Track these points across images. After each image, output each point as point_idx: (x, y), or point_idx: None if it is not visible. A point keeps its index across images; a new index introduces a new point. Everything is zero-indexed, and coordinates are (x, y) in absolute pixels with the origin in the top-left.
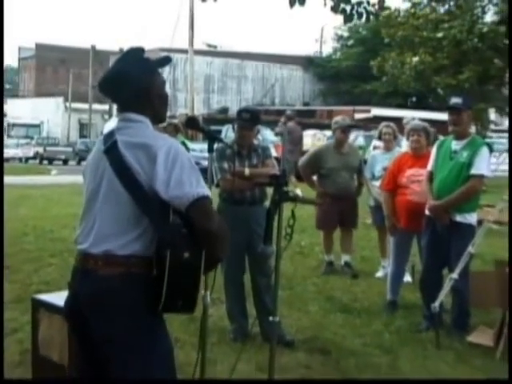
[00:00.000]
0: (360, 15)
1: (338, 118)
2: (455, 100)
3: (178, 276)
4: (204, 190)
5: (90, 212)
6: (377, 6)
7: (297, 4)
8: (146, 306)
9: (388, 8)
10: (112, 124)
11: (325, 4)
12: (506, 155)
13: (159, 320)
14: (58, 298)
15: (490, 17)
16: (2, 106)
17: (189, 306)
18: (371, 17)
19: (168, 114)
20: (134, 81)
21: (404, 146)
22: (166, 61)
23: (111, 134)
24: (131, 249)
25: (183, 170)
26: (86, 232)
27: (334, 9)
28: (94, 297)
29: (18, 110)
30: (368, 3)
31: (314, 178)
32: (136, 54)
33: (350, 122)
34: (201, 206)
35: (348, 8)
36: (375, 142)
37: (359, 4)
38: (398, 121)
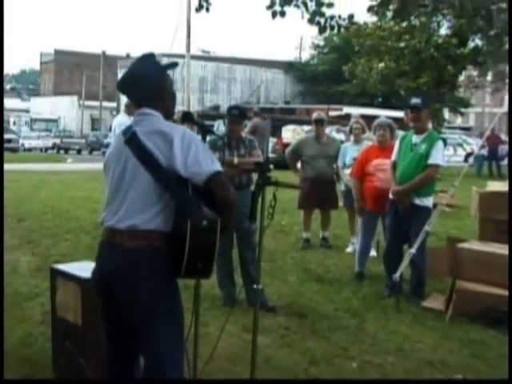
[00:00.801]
0: (332, 27)
1: (315, 115)
2: (415, 100)
3: (198, 241)
4: (218, 166)
5: (116, 196)
6: (347, 21)
7: (278, 16)
8: (167, 275)
9: (356, 23)
10: (120, 118)
11: (302, 17)
12: (457, 148)
13: (177, 289)
14: (73, 267)
15: (444, 30)
16: (2, 105)
17: (207, 269)
18: (342, 29)
19: None
20: (149, 80)
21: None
22: (174, 65)
23: (129, 128)
24: (153, 224)
25: (198, 151)
26: (113, 212)
27: (311, 21)
28: (120, 267)
29: (39, 106)
30: (339, 17)
31: (298, 165)
32: (149, 58)
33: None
34: (218, 179)
35: (322, 21)
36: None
37: (332, 18)
38: (366, 118)
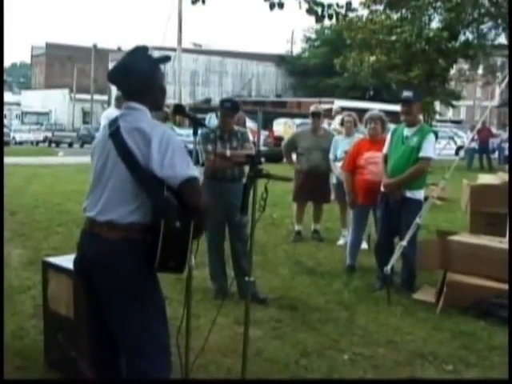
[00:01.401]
0: (330, 16)
1: (312, 108)
2: (406, 94)
3: (170, 241)
4: (193, 171)
5: (98, 186)
6: (345, 8)
7: (276, 7)
8: (143, 264)
9: (355, 9)
10: (110, 111)
11: (300, 6)
12: (449, 141)
13: (154, 278)
14: (65, 260)
15: (435, 24)
16: (2, 104)
17: (179, 267)
18: (340, 17)
19: None
20: (139, 73)
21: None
22: (166, 59)
23: (115, 120)
24: (130, 218)
25: (175, 154)
26: (95, 202)
27: (308, 11)
28: (99, 255)
29: (30, 100)
30: (337, 5)
31: (294, 158)
32: (142, 51)
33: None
34: (191, 185)
35: (319, 10)
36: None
37: (329, 6)
38: (357, 111)
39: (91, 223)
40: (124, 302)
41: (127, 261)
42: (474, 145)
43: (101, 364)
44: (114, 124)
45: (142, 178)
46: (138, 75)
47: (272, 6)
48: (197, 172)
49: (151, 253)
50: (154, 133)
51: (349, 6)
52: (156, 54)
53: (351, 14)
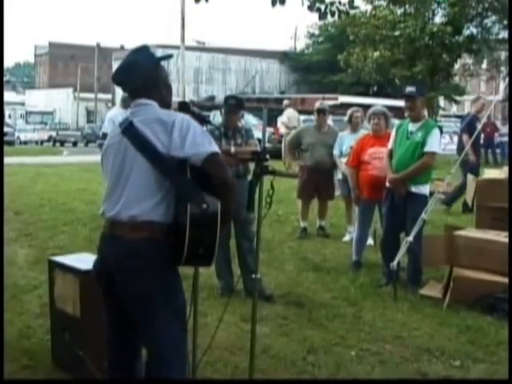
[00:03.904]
0: (333, 13)
1: (317, 104)
2: (409, 89)
3: (199, 225)
4: (216, 148)
5: (117, 187)
6: (347, 6)
7: (278, 4)
8: (168, 265)
9: (357, 7)
10: (113, 111)
11: (302, 3)
12: (453, 136)
13: (179, 279)
14: (70, 259)
15: (438, 18)
16: (2, 103)
17: (209, 256)
18: (342, 15)
19: None
20: (142, 69)
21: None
22: (169, 56)
23: (125, 119)
24: (154, 214)
25: (196, 135)
26: (114, 203)
27: (311, 8)
28: (121, 258)
29: (34, 99)
30: (340, 3)
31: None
32: (144, 49)
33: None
34: (215, 159)
35: (322, 7)
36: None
37: (332, 4)
38: (361, 107)
39: (112, 224)
40: (149, 307)
41: (152, 263)
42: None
43: (118, 367)
44: (124, 122)
45: (164, 166)
46: (141, 71)
47: (274, 2)
48: (218, 149)
49: (177, 249)
50: (173, 120)
51: (351, 4)
52: (159, 52)
53: (354, 11)
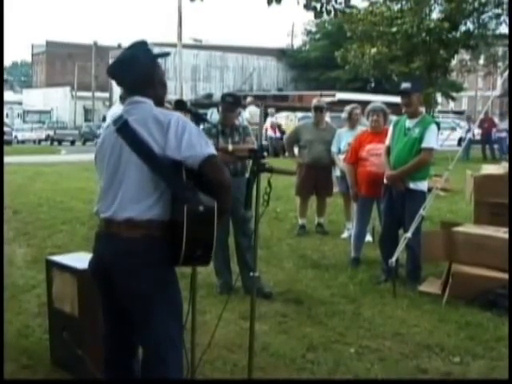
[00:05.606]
0: (328, 12)
1: (315, 101)
2: (405, 85)
3: (195, 227)
4: (212, 150)
5: (111, 186)
6: (343, 4)
7: (274, 2)
8: (165, 263)
9: (353, 6)
10: (114, 109)
11: (298, 2)
12: (450, 132)
13: (175, 277)
14: (69, 258)
15: (436, 14)
16: (2, 103)
17: (206, 256)
18: (338, 13)
19: None
20: (138, 65)
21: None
22: (166, 54)
23: (120, 117)
24: (150, 214)
25: (192, 135)
26: (109, 203)
27: (306, 6)
28: (118, 256)
29: (31, 98)
30: (335, 1)
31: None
32: (141, 45)
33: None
34: (212, 162)
35: (318, 5)
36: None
37: (328, 2)
38: (359, 103)
39: (107, 223)
40: (147, 305)
41: (149, 261)
42: (470, 135)
43: (115, 366)
44: (118, 121)
45: (159, 167)
46: (137, 67)
47: (270, 2)
48: (215, 151)
49: (175, 248)
50: (168, 120)
51: (347, 3)
52: (156, 49)
53: (350, 10)
